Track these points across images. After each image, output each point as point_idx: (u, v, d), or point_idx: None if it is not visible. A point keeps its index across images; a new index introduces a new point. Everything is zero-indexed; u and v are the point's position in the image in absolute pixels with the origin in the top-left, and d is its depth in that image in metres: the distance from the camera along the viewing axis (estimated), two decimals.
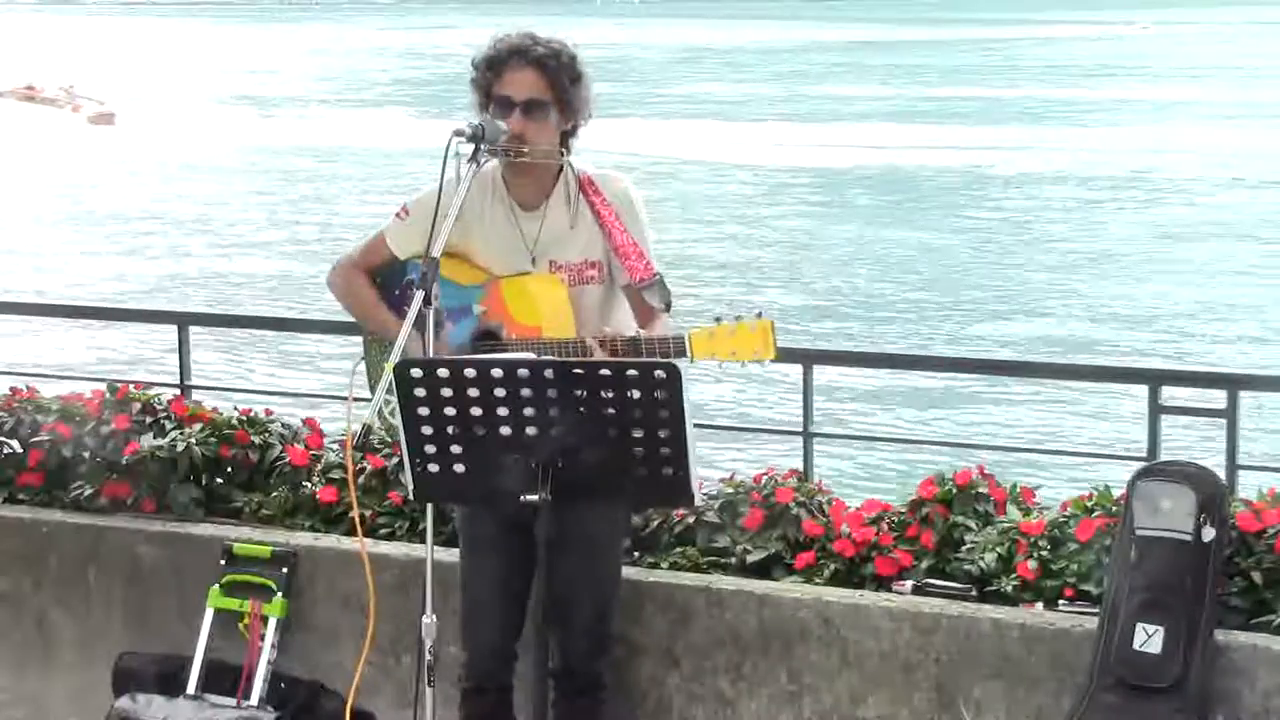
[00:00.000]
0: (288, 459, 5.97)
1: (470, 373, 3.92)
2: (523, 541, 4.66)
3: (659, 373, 3.85)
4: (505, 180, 4.76)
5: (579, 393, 3.89)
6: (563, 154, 4.74)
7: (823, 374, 6.07)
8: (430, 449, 4.00)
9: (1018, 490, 5.45)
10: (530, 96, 4.65)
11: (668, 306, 4.61)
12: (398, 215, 4.85)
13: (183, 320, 6.55)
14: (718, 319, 4.37)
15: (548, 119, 4.67)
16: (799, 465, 5.65)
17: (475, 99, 4.75)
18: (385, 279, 4.88)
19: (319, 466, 5.92)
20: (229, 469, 6.06)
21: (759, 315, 4.36)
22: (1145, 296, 22.01)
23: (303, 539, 5.80)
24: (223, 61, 67.37)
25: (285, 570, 5.69)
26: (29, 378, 6.60)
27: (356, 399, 4.65)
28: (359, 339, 5.05)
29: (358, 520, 5.08)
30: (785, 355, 5.96)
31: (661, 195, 28.00)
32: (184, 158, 38.23)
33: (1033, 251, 25.67)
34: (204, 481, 6.04)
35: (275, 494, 5.95)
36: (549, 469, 3.91)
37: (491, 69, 4.70)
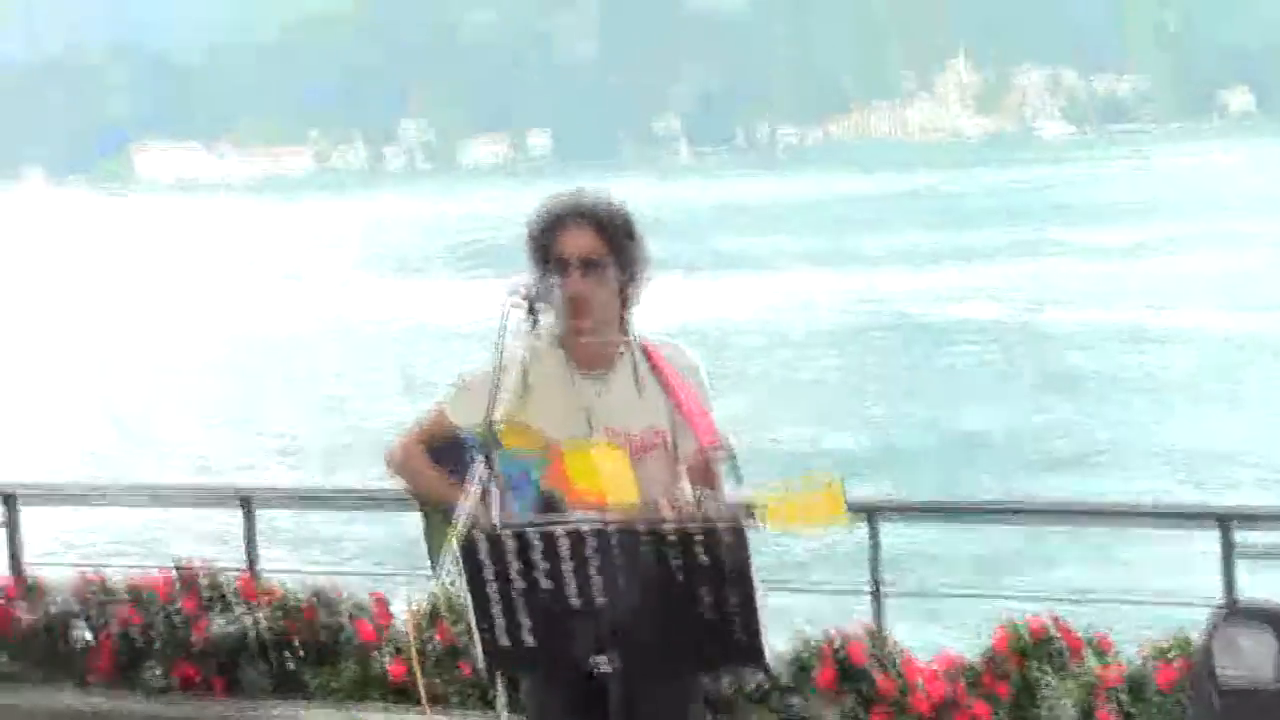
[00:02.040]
0: (357, 634, 5.94)
1: (536, 540, 3.89)
2: (594, 713, 4.60)
3: (726, 535, 3.82)
4: (565, 343, 4.73)
5: (645, 556, 3.85)
6: (624, 321, 4.69)
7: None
8: (498, 619, 3.96)
9: (1093, 638, 5.36)
10: (587, 255, 4.60)
11: (739, 477, 4.54)
12: (455, 387, 4.82)
13: (247, 499, 6.55)
14: (785, 483, 4.31)
15: (606, 277, 4.62)
16: (868, 618, 5.58)
17: (531, 261, 4.73)
18: (443, 452, 4.86)
19: (388, 642, 5.89)
20: (298, 646, 6.03)
21: (829, 483, 4.29)
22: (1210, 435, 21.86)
23: (374, 715, 5.76)
24: (267, 238, 68.15)
25: None
26: (97, 565, 6.61)
27: (419, 572, 4.62)
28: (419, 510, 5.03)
29: (423, 694, 5.02)
30: (850, 507, 5.94)
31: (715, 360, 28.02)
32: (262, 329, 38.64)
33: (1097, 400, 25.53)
34: (273, 660, 6.01)
35: (345, 669, 5.91)
36: (618, 635, 3.87)
37: (547, 230, 4.68)
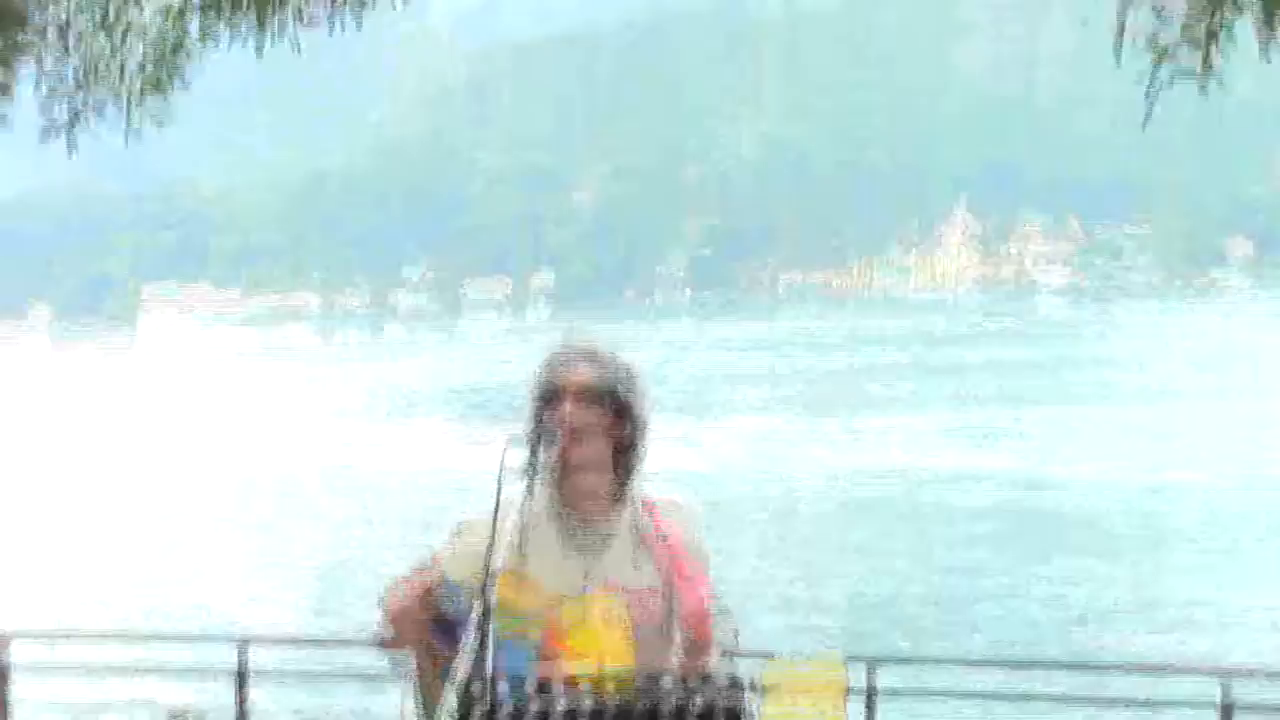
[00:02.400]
0: None
1: (535, 708, 3.87)
2: None
3: (725, 709, 3.80)
4: (564, 497, 4.72)
5: None
6: (625, 481, 4.68)
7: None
8: None
9: None
10: (582, 384, 4.54)
11: (735, 638, 4.51)
12: (451, 538, 4.80)
13: (243, 642, 6.53)
14: (785, 656, 4.28)
15: (601, 410, 4.50)
16: None
17: (531, 409, 4.72)
18: (438, 601, 4.82)
19: None
20: None
21: (831, 662, 4.26)
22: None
23: None
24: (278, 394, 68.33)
25: None
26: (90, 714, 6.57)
27: None
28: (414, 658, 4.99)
29: None
30: (849, 659, 5.91)
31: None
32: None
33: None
34: None
35: None
36: None
37: (546, 366, 4.68)
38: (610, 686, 4.39)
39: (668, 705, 3.86)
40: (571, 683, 4.52)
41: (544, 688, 4.63)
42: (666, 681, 4.33)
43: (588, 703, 3.89)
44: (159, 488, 38.74)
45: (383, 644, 4.87)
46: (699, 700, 4.00)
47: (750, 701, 4.22)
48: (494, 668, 4.35)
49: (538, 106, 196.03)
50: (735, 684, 4.30)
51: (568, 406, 4.53)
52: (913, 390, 55.81)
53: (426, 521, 29.54)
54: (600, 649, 4.52)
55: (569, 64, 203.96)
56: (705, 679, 4.34)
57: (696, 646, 4.62)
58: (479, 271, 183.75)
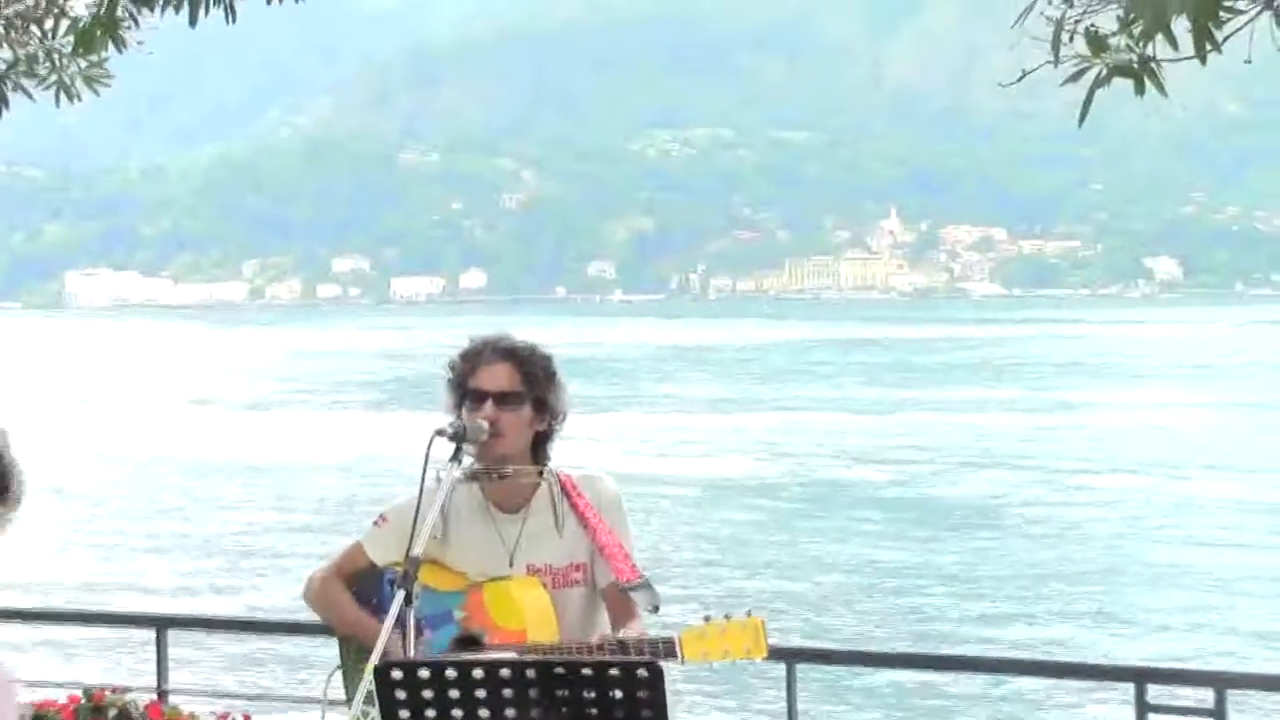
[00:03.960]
0: None
1: (451, 673, 3.85)
2: None
3: (641, 672, 3.81)
4: (483, 482, 4.75)
5: (561, 693, 3.83)
6: (542, 465, 4.74)
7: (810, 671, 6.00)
8: None
9: None
10: (503, 388, 4.66)
11: (655, 608, 4.55)
12: (375, 523, 4.80)
13: (161, 624, 6.50)
14: (707, 617, 4.34)
15: (520, 411, 4.65)
16: None
17: (450, 400, 4.75)
18: (362, 588, 4.83)
19: None
20: None
21: (748, 613, 4.33)
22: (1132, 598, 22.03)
23: None
24: (200, 363, 67.96)
25: None
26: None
27: (333, 703, 4.58)
28: (335, 641, 4.99)
29: None
30: (770, 653, 5.94)
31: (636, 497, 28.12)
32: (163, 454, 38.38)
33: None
34: None
35: None
36: None
37: (466, 363, 4.73)
38: (531, 653, 4.42)
39: (589, 668, 3.87)
40: (496, 642, 4.54)
41: (467, 642, 4.65)
42: (586, 649, 4.37)
43: (507, 666, 3.88)
44: (73, 462, 38.36)
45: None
46: (616, 662, 4.00)
47: (668, 659, 4.27)
48: (416, 648, 4.37)
49: (470, 105, 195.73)
50: (654, 647, 4.34)
51: (488, 409, 4.57)
52: (839, 385, 56.13)
53: (348, 509, 29.50)
54: (524, 626, 4.54)
55: (506, 62, 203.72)
56: (623, 645, 4.38)
57: (619, 618, 4.66)
58: (409, 271, 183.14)
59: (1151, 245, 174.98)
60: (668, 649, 4.35)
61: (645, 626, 4.59)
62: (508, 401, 4.64)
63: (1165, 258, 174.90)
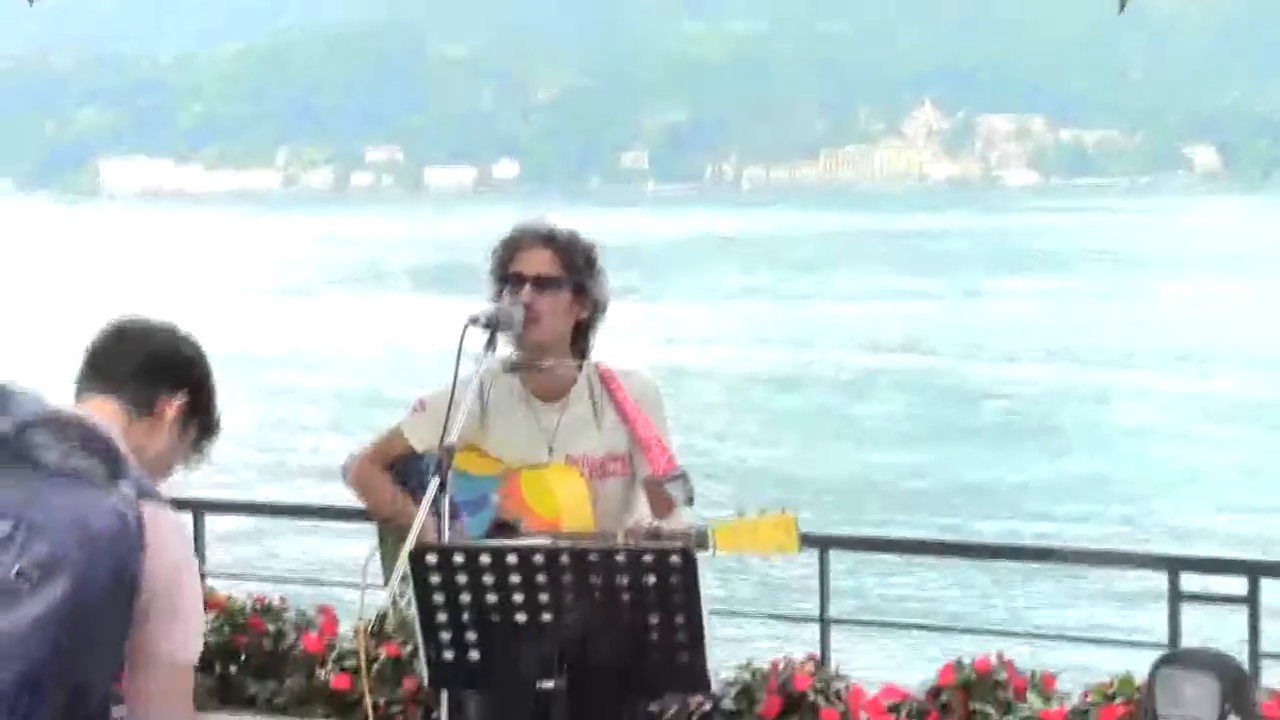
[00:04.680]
0: (302, 647, 5.93)
1: (485, 559, 3.89)
2: None
3: (674, 559, 3.83)
4: (523, 371, 4.76)
5: (594, 579, 3.85)
6: (582, 349, 4.75)
7: (840, 557, 6.01)
8: (445, 636, 3.96)
9: (1038, 677, 5.38)
10: (541, 272, 4.66)
11: (690, 500, 4.57)
12: (414, 409, 4.84)
13: (199, 507, 6.55)
14: (740, 512, 4.35)
15: (559, 296, 4.64)
16: (816, 649, 5.60)
17: (493, 287, 4.76)
18: (401, 471, 4.87)
19: (333, 654, 5.88)
20: (243, 657, 6.01)
21: (782, 510, 4.34)
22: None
23: None
24: (236, 252, 68.07)
25: None
26: None
27: (371, 586, 4.62)
28: (374, 526, 5.03)
29: (369, 710, 5.03)
30: (802, 540, 5.96)
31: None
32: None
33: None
34: (218, 669, 5.98)
35: (289, 682, 5.90)
36: (564, 656, 3.87)
37: (506, 250, 4.73)
38: (565, 539, 4.45)
39: (621, 554, 3.89)
40: (532, 529, 4.58)
41: (503, 528, 4.69)
42: (621, 538, 4.40)
43: (541, 551, 3.90)
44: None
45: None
46: (649, 549, 4.02)
47: (700, 551, 4.29)
48: (450, 532, 4.40)
49: None
50: (687, 538, 4.37)
51: (527, 292, 4.56)
52: (873, 274, 55.91)
53: (383, 395, 29.63)
54: (559, 514, 4.57)
55: None
56: (656, 534, 4.41)
57: (656, 511, 4.69)
58: (442, 161, 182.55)
59: (1191, 134, 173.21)
60: (700, 541, 4.38)
61: (683, 520, 4.61)
62: (546, 286, 4.64)
63: (1205, 147, 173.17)
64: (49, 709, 2.55)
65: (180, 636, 2.81)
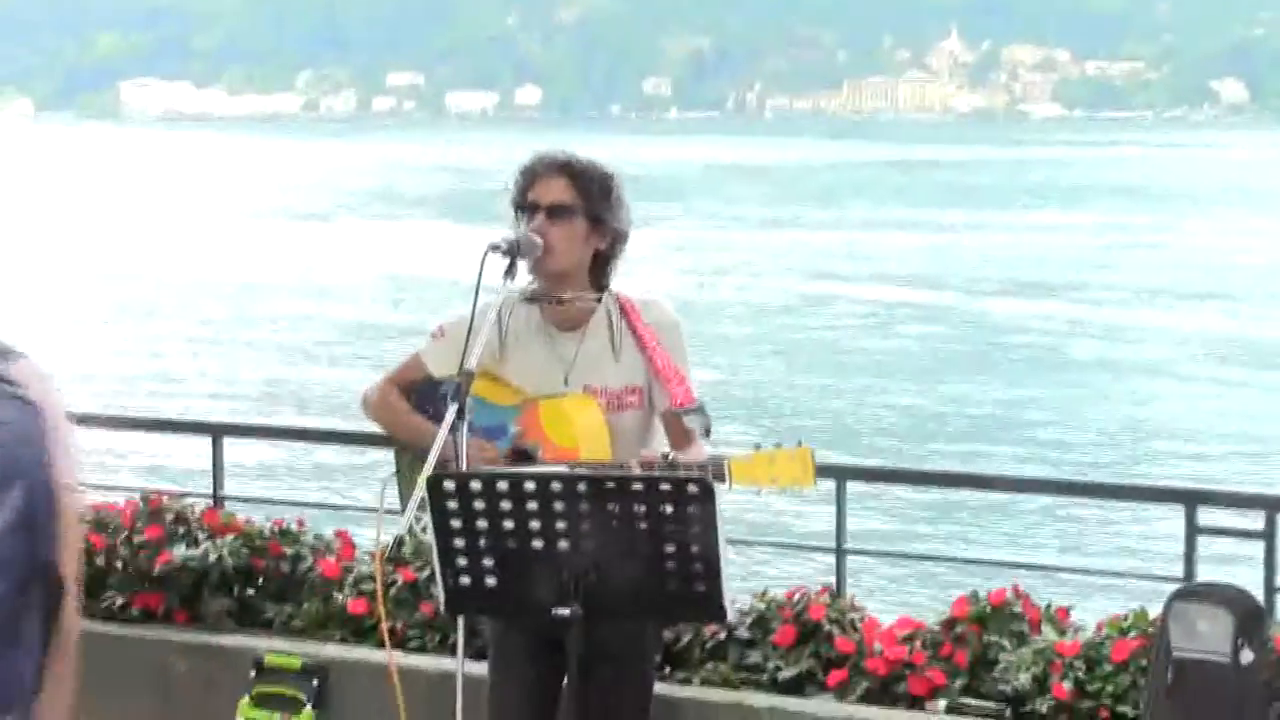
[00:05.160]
0: (319, 571, 5.96)
1: (503, 485, 3.90)
2: (553, 658, 4.63)
3: (692, 487, 3.83)
4: (542, 300, 4.75)
5: (612, 506, 3.86)
6: (603, 289, 4.74)
7: (857, 489, 6.02)
8: (462, 561, 3.97)
9: (1052, 610, 5.39)
10: (555, 201, 4.65)
11: (707, 433, 4.57)
12: (433, 336, 4.84)
13: (217, 431, 6.57)
14: (757, 445, 4.35)
15: (574, 225, 4.63)
16: (831, 580, 5.61)
17: (513, 215, 4.76)
18: (419, 398, 4.89)
19: (350, 578, 5.91)
20: (260, 580, 6.05)
21: (799, 443, 4.34)
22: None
23: (333, 651, 5.78)
24: (257, 176, 68.06)
25: (315, 682, 5.66)
26: None
27: (388, 511, 4.64)
28: (392, 451, 5.04)
29: (386, 634, 5.07)
30: (819, 470, 5.97)
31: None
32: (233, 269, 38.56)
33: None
34: (236, 592, 6.02)
35: (306, 605, 5.93)
36: (581, 583, 3.88)
37: (524, 177, 4.72)
38: (582, 467, 4.46)
39: (639, 482, 3.90)
40: (549, 457, 4.59)
41: (520, 455, 4.70)
42: (636, 466, 4.40)
43: (558, 479, 3.91)
44: (128, 276, 38.56)
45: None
46: (667, 478, 4.02)
47: (717, 483, 4.30)
48: (468, 461, 4.41)
49: None
50: (703, 469, 4.37)
51: (541, 221, 4.55)
52: (895, 205, 55.65)
53: (401, 321, 29.66)
54: (577, 443, 4.58)
55: None
56: (672, 465, 4.41)
57: (675, 443, 4.69)
58: (464, 86, 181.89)
59: (1218, 67, 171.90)
60: (716, 472, 4.38)
61: (703, 452, 4.62)
62: (559, 214, 4.63)
63: (1232, 80, 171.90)
64: (36, 608, 2.65)
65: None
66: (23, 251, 41.30)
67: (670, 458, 4.45)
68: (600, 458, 4.54)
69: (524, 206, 4.67)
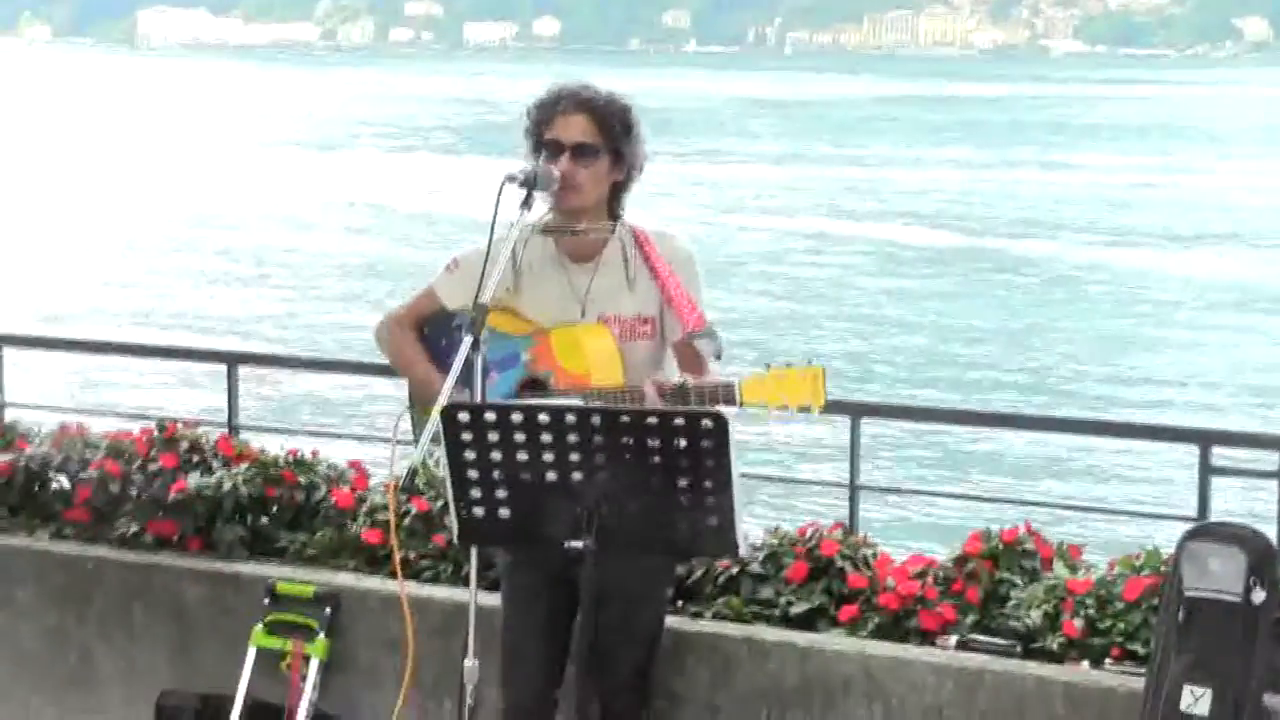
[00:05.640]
0: (332, 500, 5.97)
1: (517, 417, 3.90)
2: (565, 591, 4.65)
3: (706, 422, 3.83)
4: (556, 233, 4.75)
5: (625, 440, 3.86)
6: (617, 219, 4.74)
7: (870, 427, 6.02)
8: (475, 493, 3.98)
9: (1064, 548, 5.39)
10: (579, 140, 4.64)
11: (719, 356, 4.58)
12: (447, 268, 4.84)
13: (232, 360, 6.58)
14: (768, 365, 4.35)
15: (597, 164, 4.65)
16: (845, 518, 5.62)
17: (527, 146, 4.74)
18: (432, 332, 4.88)
19: (364, 508, 5.92)
20: (274, 509, 6.07)
21: (809, 362, 4.33)
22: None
23: (345, 580, 5.81)
24: (273, 105, 67.89)
25: (328, 610, 5.68)
26: (78, 414, 6.66)
27: (401, 442, 4.65)
28: (406, 382, 5.05)
29: (398, 565, 5.08)
30: (833, 408, 5.96)
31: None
32: (246, 200, 38.53)
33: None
34: (249, 521, 6.04)
35: (320, 534, 5.95)
36: (594, 516, 3.88)
37: (542, 114, 4.70)
38: (596, 398, 4.47)
39: (653, 416, 3.89)
40: (562, 384, 4.59)
41: (532, 384, 4.70)
42: (651, 392, 4.40)
43: (573, 411, 3.90)
44: (147, 194, 38.54)
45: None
46: (681, 411, 4.01)
47: (728, 404, 4.31)
48: (482, 390, 4.41)
49: None
50: (714, 391, 4.37)
51: (565, 161, 4.53)
52: (914, 141, 55.38)
53: (416, 252, 29.65)
54: (589, 369, 4.58)
55: None
56: (683, 389, 4.42)
57: (687, 370, 4.69)
58: (482, 16, 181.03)
59: (1241, 4, 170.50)
60: (727, 394, 4.38)
61: (710, 374, 4.62)
62: (584, 154, 4.64)
63: (1255, 17, 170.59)
64: None
65: None
66: (37, 180, 41.29)
67: (683, 381, 4.47)
68: (613, 384, 4.55)
69: (543, 142, 4.66)
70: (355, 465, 6.18)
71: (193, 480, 6.00)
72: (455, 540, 4.31)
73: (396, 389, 5.14)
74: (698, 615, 5.38)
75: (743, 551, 4.91)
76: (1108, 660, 5.01)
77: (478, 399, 4.35)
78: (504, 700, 4.83)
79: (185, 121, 59.27)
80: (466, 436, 3.94)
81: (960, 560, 5.31)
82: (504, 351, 4.68)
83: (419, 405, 4.77)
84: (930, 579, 5.31)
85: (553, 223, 4.74)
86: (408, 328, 4.89)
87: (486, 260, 4.40)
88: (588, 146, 4.62)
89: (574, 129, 4.64)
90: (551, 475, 3.90)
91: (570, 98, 4.67)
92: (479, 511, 4.00)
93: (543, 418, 3.88)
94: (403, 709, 4.81)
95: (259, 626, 5.74)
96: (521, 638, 4.82)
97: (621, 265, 4.72)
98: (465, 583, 4.80)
